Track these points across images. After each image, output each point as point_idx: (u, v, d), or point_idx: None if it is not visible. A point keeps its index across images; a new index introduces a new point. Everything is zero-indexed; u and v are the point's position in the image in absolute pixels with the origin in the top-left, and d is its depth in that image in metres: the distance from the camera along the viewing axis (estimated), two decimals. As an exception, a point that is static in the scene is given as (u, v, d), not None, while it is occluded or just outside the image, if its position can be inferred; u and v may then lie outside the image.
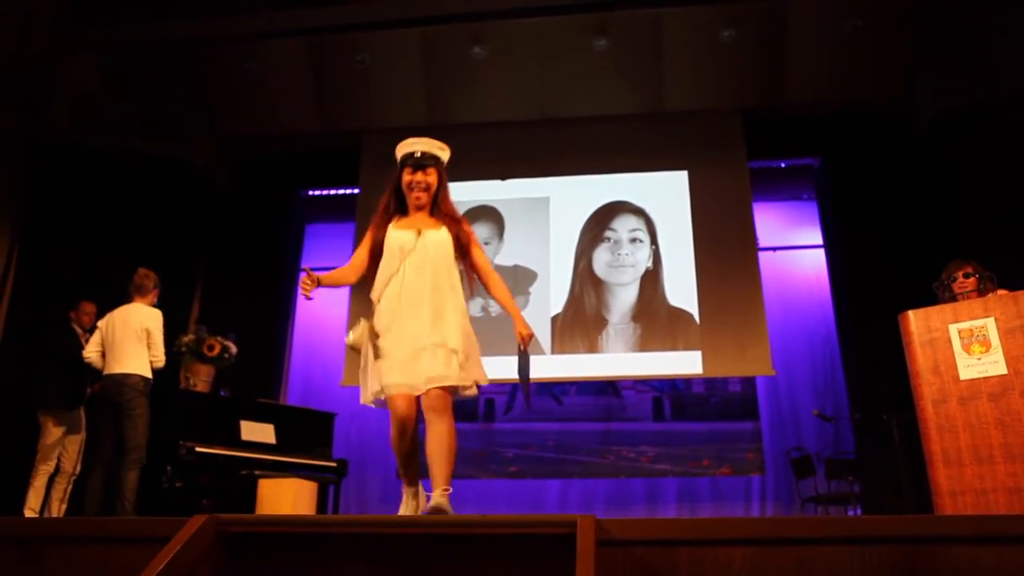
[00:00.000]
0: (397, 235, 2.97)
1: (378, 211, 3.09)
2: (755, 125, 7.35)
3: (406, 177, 2.99)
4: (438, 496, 2.68)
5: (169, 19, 6.54)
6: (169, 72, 7.14)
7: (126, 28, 6.61)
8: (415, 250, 2.92)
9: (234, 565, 2.01)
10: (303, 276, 2.87)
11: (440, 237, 2.96)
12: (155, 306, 4.98)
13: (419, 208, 3.02)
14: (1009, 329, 3.01)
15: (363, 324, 2.92)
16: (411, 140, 3.02)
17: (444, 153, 3.06)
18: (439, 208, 3.03)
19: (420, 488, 2.91)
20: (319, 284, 2.91)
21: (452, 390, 2.82)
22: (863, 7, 6.50)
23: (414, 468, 2.92)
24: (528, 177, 7.49)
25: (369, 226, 3.11)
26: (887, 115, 7.04)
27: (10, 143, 6.63)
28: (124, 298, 4.96)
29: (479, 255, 3.06)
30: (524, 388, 3.13)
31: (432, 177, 3.00)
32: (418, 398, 2.81)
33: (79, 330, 5.45)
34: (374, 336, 2.90)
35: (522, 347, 2.91)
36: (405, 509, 2.91)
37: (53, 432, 5.26)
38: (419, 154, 2.99)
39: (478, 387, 2.93)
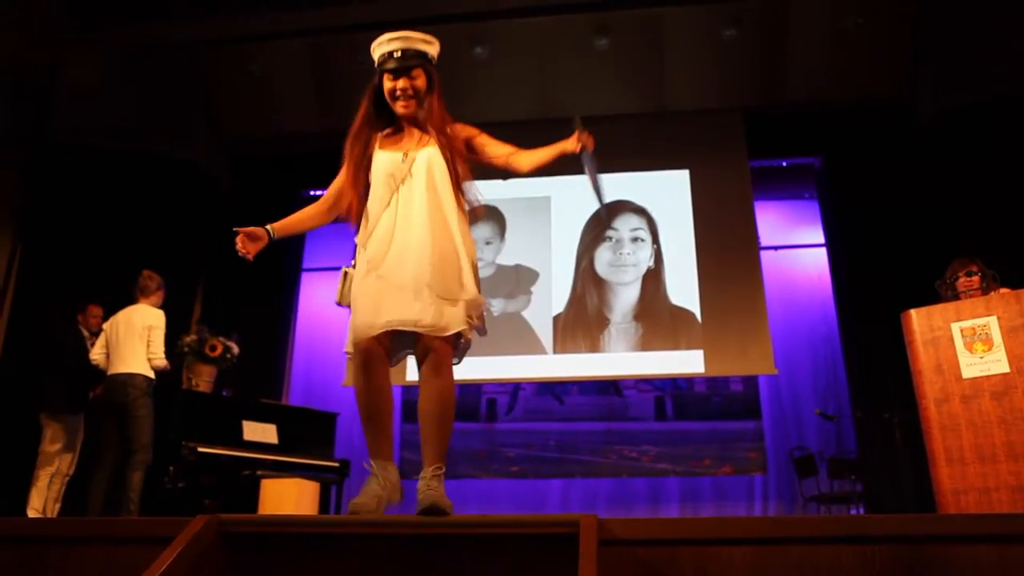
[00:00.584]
0: (384, 159, 2.39)
1: (353, 127, 2.47)
2: (756, 124, 7.35)
3: (387, 85, 2.38)
4: (428, 486, 2.13)
5: (171, 20, 6.55)
6: (171, 73, 7.14)
7: (127, 29, 6.61)
8: (409, 176, 2.36)
9: (236, 565, 2.01)
10: (237, 239, 2.38)
11: (437, 153, 2.40)
12: (160, 307, 5.00)
13: (409, 121, 2.44)
14: (1012, 328, 3.00)
15: (347, 273, 2.41)
16: (387, 36, 2.39)
17: (432, 47, 2.43)
18: (431, 119, 2.42)
19: (392, 465, 2.25)
20: (270, 238, 2.41)
21: (453, 341, 2.27)
22: (864, 6, 6.50)
23: (386, 428, 2.26)
24: (529, 177, 7.48)
25: (344, 147, 2.48)
26: (888, 113, 7.04)
27: (11, 144, 6.64)
28: (126, 298, 4.98)
29: (489, 144, 2.51)
30: (595, 189, 2.46)
31: (420, 80, 2.38)
32: (389, 341, 2.25)
33: (85, 333, 5.46)
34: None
35: (585, 148, 2.37)
36: (369, 493, 2.16)
37: (55, 436, 5.26)
38: (398, 53, 2.36)
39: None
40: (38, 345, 5.62)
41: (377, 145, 2.43)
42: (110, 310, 5.06)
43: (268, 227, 2.43)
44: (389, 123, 2.47)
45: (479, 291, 2.33)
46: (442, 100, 2.45)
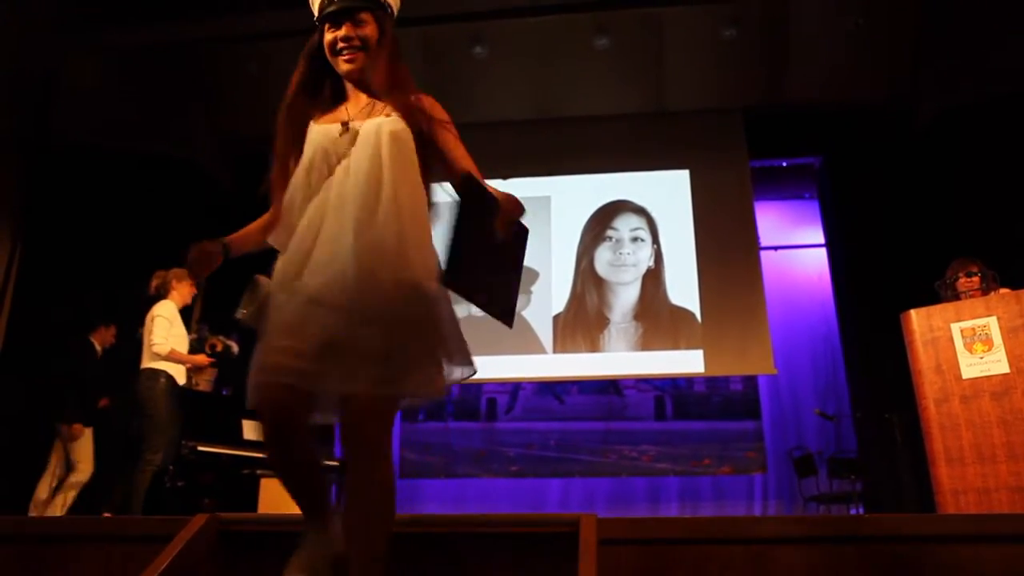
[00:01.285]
0: (318, 132, 1.80)
1: (285, 98, 1.92)
2: (756, 124, 7.34)
3: (327, 36, 1.82)
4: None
5: (171, 19, 6.55)
6: (171, 72, 7.13)
7: (128, 29, 6.61)
8: (348, 155, 1.75)
9: (236, 564, 2.01)
10: (192, 253, 1.89)
11: (391, 123, 1.76)
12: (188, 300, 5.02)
13: (355, 84, 1.85)
14: (1011, 328, 3.01)
15: (258, 283, 1.92)
16: None
17: None
18: (385, 81, 1.81)
19: (332, 519, 1.72)
20: (228, 254, 1.94)
21: (395, 397, 1.64)
22: (865, 6, 6.49)
23: (317, 488, 1.75)
24: (530, 176, 7.49)
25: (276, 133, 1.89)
26: (889, 114, 7.03)
27: (12, 144, 6.63)
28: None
29: (448, 138, 1.82)
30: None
31: (368, 28, 1.80)
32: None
33: (98, 348, 5.51)
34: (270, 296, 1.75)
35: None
36: (307, 557, 1.67)
37: (66, 450, 5.31)
38: None
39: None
40: (49, 357, 5.66)
41: (312, 123, 1.85)
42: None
43: (224, 241, 1.95)
44: (337, 96, 1.90)
45: (453, 329, 1.72)
46: (399, 60, 1.85)
